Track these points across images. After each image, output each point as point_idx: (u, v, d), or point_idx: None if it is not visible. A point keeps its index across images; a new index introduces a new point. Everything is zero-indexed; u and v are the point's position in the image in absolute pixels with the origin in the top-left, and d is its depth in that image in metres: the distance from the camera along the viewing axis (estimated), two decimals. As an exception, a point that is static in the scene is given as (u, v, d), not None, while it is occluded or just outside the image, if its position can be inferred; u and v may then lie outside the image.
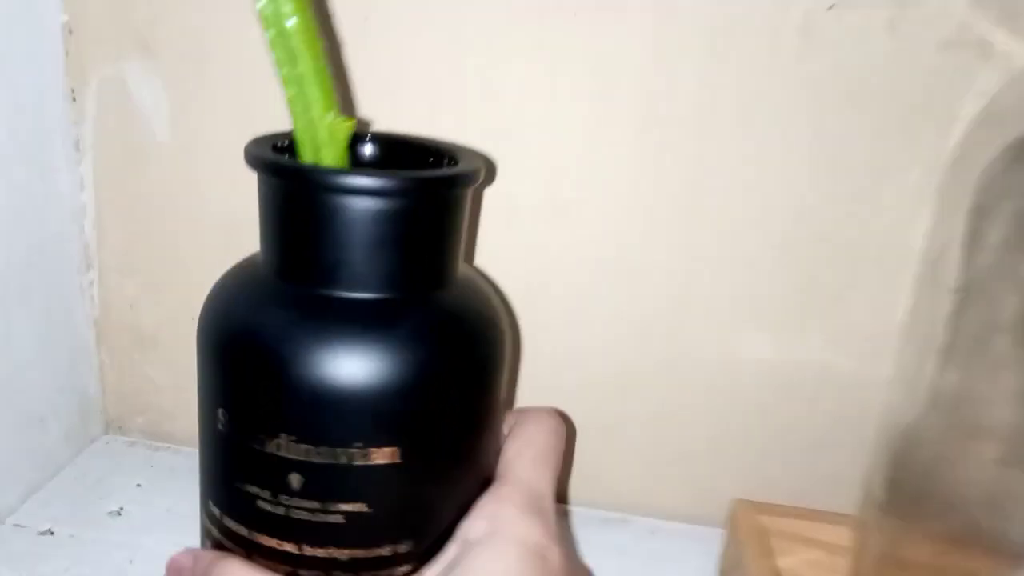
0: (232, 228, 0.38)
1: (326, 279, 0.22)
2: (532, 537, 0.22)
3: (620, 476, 0.41)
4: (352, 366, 0.21)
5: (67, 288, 0.41)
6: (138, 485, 0.41)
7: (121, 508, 0.40)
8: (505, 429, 0.27)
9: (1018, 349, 0.23)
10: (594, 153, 0.36)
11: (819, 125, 0.34)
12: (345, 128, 0.21)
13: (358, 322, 0.22)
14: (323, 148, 0.22)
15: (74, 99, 0.39)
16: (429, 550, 0.23)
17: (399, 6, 0.35)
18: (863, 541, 0.30)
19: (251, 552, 0.23)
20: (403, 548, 0.23)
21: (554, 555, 0.22)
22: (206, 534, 0.26)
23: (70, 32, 0.38)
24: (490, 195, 0.37)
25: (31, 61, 0.36)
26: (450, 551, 0.23)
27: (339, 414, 0.21)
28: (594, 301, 0.38)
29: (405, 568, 0.23)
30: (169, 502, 0.40)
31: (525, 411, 0.28)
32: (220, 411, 0.23)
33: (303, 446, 0.21)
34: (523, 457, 0.25)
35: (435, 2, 0.35)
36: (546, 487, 0.24)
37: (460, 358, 0.23)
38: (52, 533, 0.38)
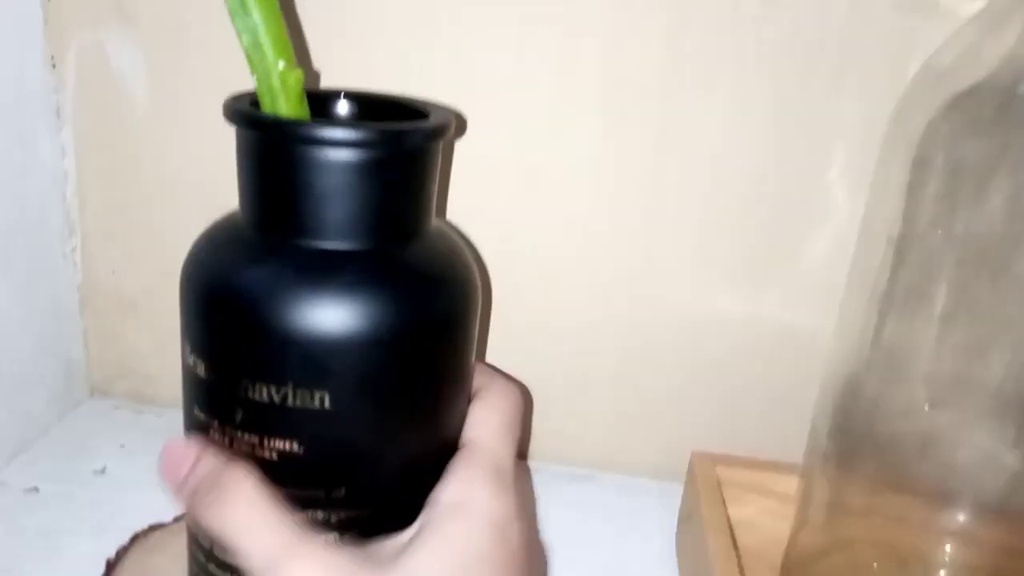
0: (212, 193, 0.38)
1: (294, 230, 0.23)
2: (497, 512, 0.23)
3: (586, 433, 0.43)
4: (314, 312, 0.22)
5: (50, 254, 0.42)
6: (122, 445, 0.43)
7: (105, 467, 0.41)
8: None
9: (948, 297, 0.24)
10: (559, 118, 0.37)
11: (778, 87, 0.36)
12: (295, 76, 0.22)
13: (327, 272, 0.23)
14: (278, 98, 0.22)
15: (54, 66, 0.39)
16: (370, 499, 0.24)
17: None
18: (808, 488, 0.32)
19: None
20: (337, 493, 0.24)
21: (514, 532, 0.23)
22: None
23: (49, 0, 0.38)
24: (458, 156, 0.38)
25: (11, 29, 0.37)
26: (423, 515, 0.23)
27: (299, 357, 0.22)
28: (561, 262, 0.40)
29: (342, 513, 0.24)
30: (152, 461, 0.41)
31: (491, 376, 0.28)
32: (190, 348, 0.24)
33: (261, 385, 0.22)
34: (490, 424, 0.25)
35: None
36: (510, 459, 0.25)
37: (428, 310, 0.24)
38: (37, 490, 0.39)
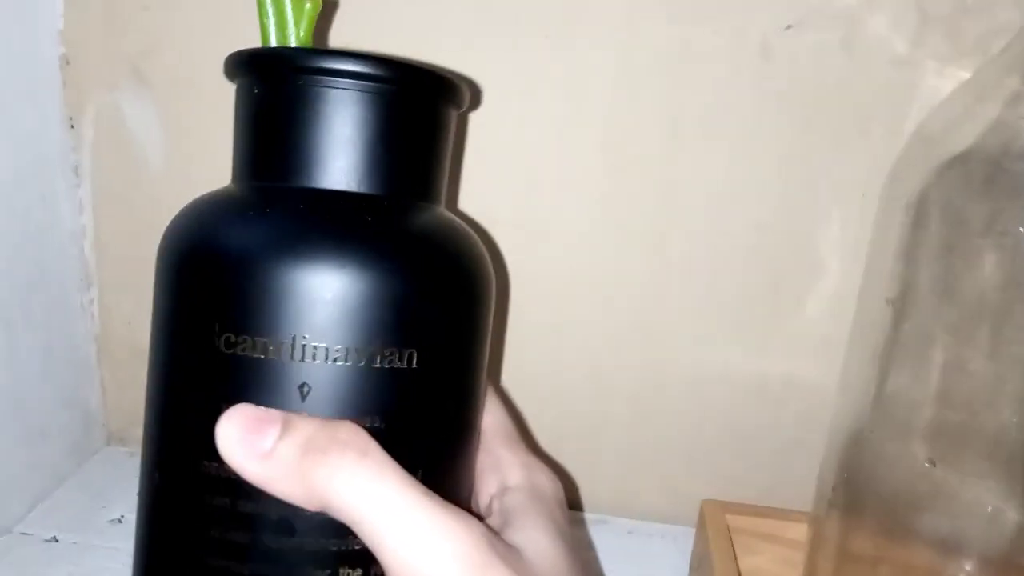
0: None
1: (312, 174, 0.21)
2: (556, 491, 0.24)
3: (599, 479, 0.43)
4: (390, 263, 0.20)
5: (68, 307, 0.43)
6: (138, 494, 0.43)
7: (122, 516, 0.42)
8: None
9: (946, 356, 0.25)
10: (565, 174, 0.38)
11: (780, 140, 0.36)
12: (313, 3, 0.22)
13: (348, 217, 0.21)
14: (289, 28, 0.22)
15: (72, 127, 0.41)
16: (443, 479, 0.22)
17: None
18: (817, 537, 0.32)
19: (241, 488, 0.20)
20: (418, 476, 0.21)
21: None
22: (170, 490, 0.23)
23: (67, 63, 0.39)
24: (467, 208, 0.39)
25: (31, 92, 0.38)
26: (498, 504, 0.23)
27: (391, 311, 0.20)
28: (571, 311, 0.40)
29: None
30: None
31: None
32: (217, 326, 0.21)
33: (341, 348, 0.20)
34: (493, 407, 0.25)
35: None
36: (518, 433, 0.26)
37: (444, 267, 0.22)
38: (57, 540, 0.39)
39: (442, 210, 0.24)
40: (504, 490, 0.23)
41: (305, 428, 0.19)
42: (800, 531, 0.35)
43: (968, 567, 0.31)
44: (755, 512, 0.36)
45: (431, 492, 0.19)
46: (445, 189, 0.25)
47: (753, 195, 0.37)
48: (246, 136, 0.23)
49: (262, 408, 0.20)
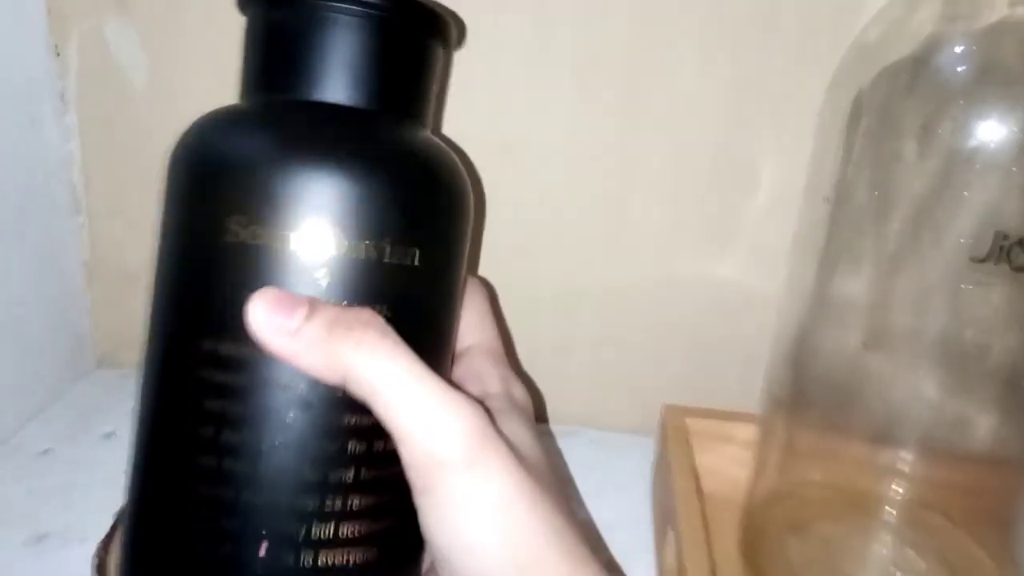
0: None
1: (324, 88, 0.23)
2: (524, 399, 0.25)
3: (568, 393, 0.45)
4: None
5: (58, 232, 0.44)
6: (130, 411, 0.45)
7: (114, 431, 0.43)
8: None
9: (877, 249, 0.27)
10: (534, 91, 0.39)
11: (737, 57, 0.38)
12: None
13: (362, 126, 0.23)
14: None
15: (58, 54, 0.42)
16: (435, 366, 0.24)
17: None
18: (766, 435, 0.34)
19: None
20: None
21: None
22: (173, 393, 0.24)
23: (51, -9, 0.41)
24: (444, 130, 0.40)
25: (16, 20, 0.39)
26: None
27: (400, 208, 0.22)
28: (541, 229, 0.42)
29: None
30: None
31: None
32: (231, 219, 0.22)
33: (359, 243, 0.22)
34: (478, 324, 0.27)
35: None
36: (500, 344, 0.27)
37: (444, 175, 0.24)
38: (50, 452, 0.41)
39: (429, 132, 0.27)
40: (485, 396, 0.25)
41: (331, 309, 0.21)
42: (750, 431, 0.37)
43: (908, 458, 0.33)
44: (712, 415, 0.38)
45: (438, 376, 0.21)
46: (432, 115, 0.27)
47: (710, 112, 0.39)
48: (258, 55, 0.25)
49: (286, 291, 0.21)
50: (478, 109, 0.40)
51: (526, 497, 0.20)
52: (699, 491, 0.34)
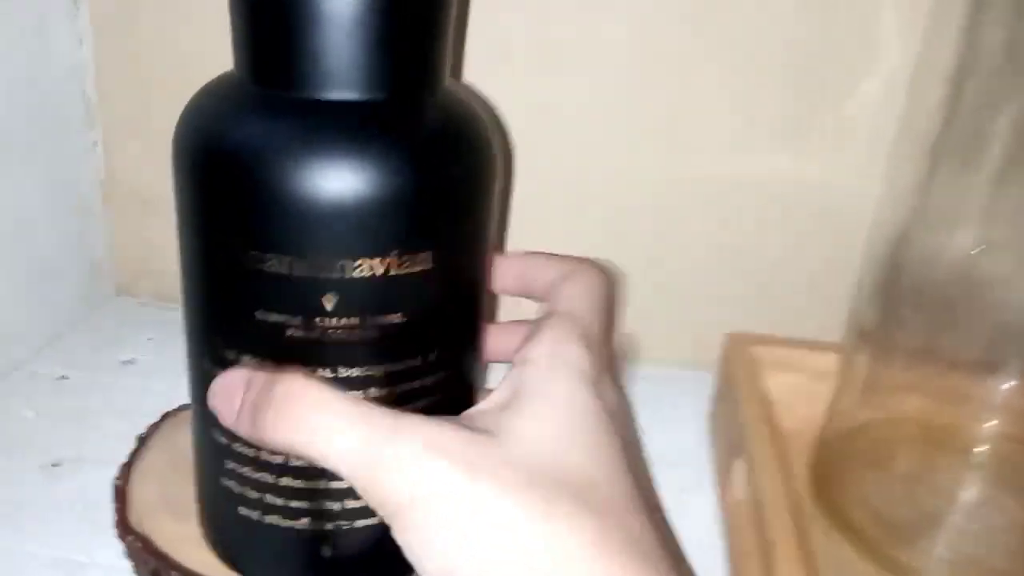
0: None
1: (309, 81, 0.21)
2: (588, 366, 0.22)
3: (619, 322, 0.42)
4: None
5: (71, 148, 0.42)
6: (149, 339, 0.43)
7: (133, 358, 0.41)
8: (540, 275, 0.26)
9: (1009, 140, 0.23)
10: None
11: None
12: None
13: (353, 128, 0.21)
14: None
15: (68, -53, 0.39)
16: (455, 358, 0.24)
17: None
18: (848, 362, 0.31)
19: None
20: (432, 357, 0.23)
21: (607, 387, 0.23)
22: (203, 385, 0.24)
23: None
24: (480, 38, 0.37)
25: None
26: (511, 374, 0.22)
27: (406, 219, 0.21)
28: (592, 130, 0.38)
29: (429, 379, 0.24)
30: (179, 354, 0.41)
31: (580, 261, 0.26)
32: (263, 248, 0.22)
33: (366, 260, 0.21)
34: (578, 299, 0.25)
35: None
36: (598, 329, 0.24)
37: (453, 164, 0.23)
38: (67, 378, 0.39)
39: (442, 98, 0.24)
40: (524, 361, 0.23)
41: (253, 390, 0.21)
42: (827, 361, 0.34)
43: (1004, 385, 0.30)
44: (780, 343, 0.35)
45: (375, 405, 0.21)
46: (448, 69, 0.24)
47: (786, 7, 0.35)
48: (247, 32, 0.23)
49: (237, 372, 0.22)
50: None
51: (483, 514, 0.19)
52: (769, 420, 0.31)
